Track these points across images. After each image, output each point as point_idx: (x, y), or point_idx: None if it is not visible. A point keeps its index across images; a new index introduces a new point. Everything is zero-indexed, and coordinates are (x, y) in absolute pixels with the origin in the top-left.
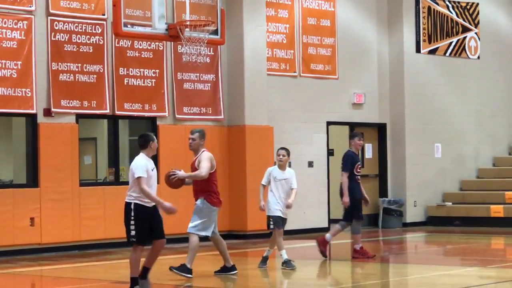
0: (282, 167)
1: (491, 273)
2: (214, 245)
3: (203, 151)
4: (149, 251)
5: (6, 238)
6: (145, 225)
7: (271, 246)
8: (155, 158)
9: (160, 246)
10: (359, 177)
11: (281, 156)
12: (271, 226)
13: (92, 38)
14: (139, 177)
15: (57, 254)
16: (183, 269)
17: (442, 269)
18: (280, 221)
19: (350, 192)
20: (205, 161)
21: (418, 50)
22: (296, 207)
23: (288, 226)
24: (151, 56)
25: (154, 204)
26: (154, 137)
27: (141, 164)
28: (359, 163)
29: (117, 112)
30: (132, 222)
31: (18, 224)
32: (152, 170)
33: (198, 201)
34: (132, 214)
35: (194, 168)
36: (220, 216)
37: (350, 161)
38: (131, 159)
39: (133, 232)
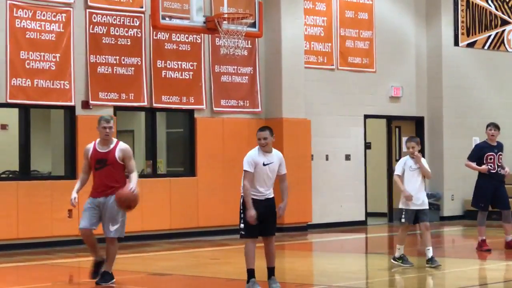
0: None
1: None
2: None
3: (118, 141)
4: (264, 250)
5: (45, 230)
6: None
7: (402, 242)
8: (192, 150)
9: (270, 243)
10: (491, 167)
11: (411, 149)
12: (403, 220)
13: (130, 31)
14: (244, 171)
15: None
16: (108, 277)
17: (480, 263)
18: (413, 216)
19: (477, 184)
20: (132, 158)
21: (456, 43)
22: (333, 200)
23: (325, 219)
24: (189, 49)
25: (266, 197)
26: (262, 131)
27: (247, 157)
28: (491, 153)
29: (155, 105)
30: (242, 215)
31: (56, 216)
32: (265, 164)
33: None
34: (241, 207)
35: (113, 160)
36: None
37: (476, 152)
38: (168, 151)
39: (241, 225)
